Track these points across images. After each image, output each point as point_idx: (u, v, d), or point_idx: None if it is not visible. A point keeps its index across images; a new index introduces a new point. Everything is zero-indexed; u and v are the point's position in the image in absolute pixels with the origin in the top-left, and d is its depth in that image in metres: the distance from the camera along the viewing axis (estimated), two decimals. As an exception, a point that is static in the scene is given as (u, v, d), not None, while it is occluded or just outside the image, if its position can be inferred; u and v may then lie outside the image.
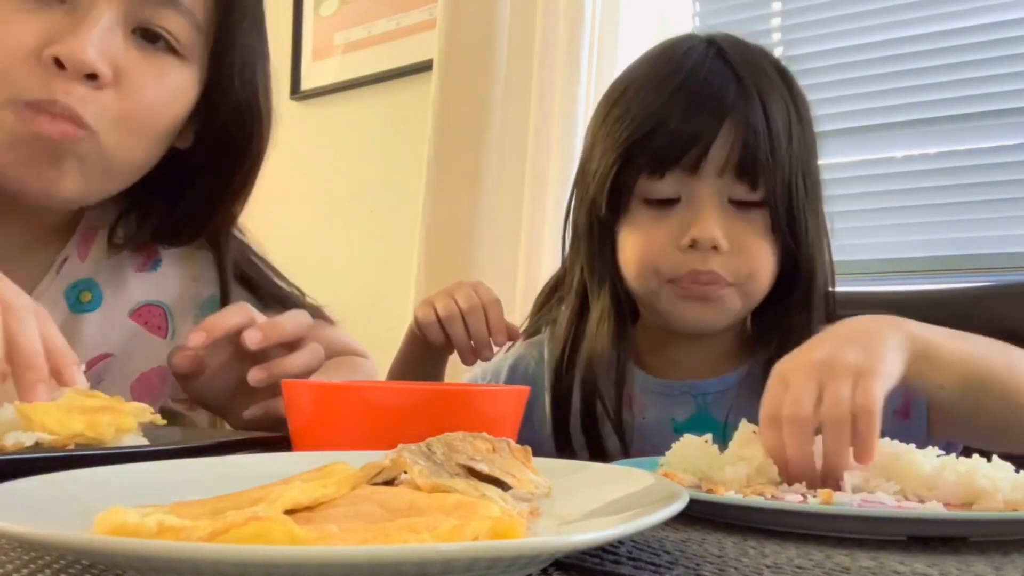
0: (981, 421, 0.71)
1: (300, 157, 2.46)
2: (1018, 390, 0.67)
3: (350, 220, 2.32)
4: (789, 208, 0.81)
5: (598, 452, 0.87)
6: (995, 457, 0.49)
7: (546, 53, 1.78)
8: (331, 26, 2.39)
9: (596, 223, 0.88)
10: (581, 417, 0.88)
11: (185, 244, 0.92)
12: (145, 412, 0.64)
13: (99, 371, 0.87)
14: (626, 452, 0.86)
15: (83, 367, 0.64)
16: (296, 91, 2.44)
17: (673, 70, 0.83)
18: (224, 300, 0.92)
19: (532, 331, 1.02)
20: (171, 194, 0.88)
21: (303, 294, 1.00)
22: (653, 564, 0.35)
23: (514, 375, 0.98)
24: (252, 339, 0.73)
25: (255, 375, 0.73)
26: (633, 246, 0.85)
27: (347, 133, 2.36)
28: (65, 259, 0.87)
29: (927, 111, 1.54)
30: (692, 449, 0.56)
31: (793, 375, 0.57)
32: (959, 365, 0.66)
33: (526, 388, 0.60)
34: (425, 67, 2.06)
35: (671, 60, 0.85)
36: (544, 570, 0.34)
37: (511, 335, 0.92)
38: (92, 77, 0.73)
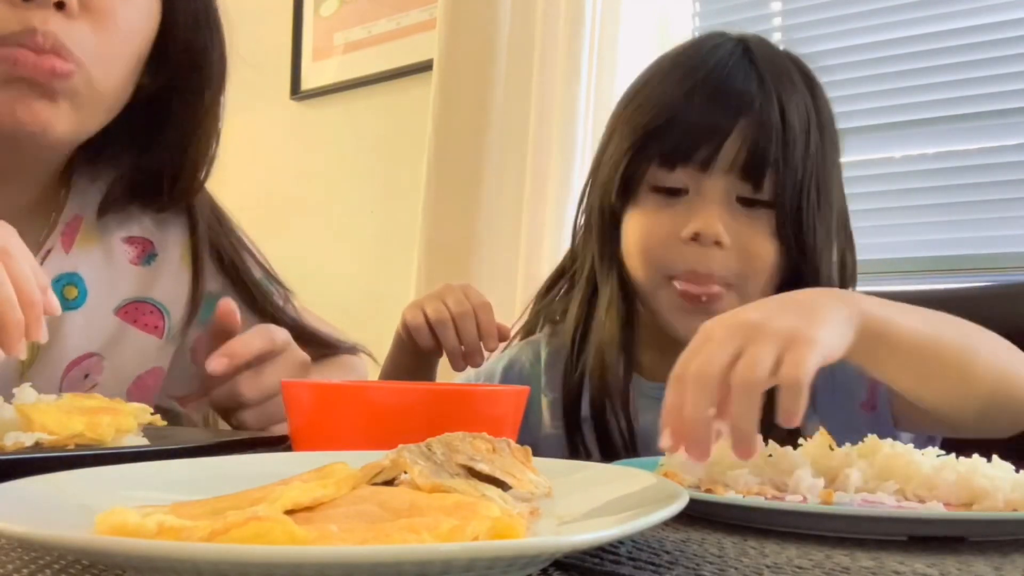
0: (939, 406, 0.67)
1: (300, 157, 2.46)
2: (972, 369, 0.63)
3: (350, 220, 2.32)
4: (797, 212, 0.80)
5: (607, 446, 0.86)
6: (995, 457, 0.49)
7: (546, 53, 1.78)
8: (331, 26, 2.39)
9: (607, 209, 0.88)
10: (592, 408, 0.86)
11: (167, 204, 0.90)
12: (145, 413, 0.64)
13: (85, 369, 0.85)
14: (633, 448, 0.85)
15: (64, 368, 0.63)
16: (296, 91, 2.44)
17: (697, 64, 0.83)
18: (196, 279, 0.90)
19: (530, 326, 1.01)
20: (139, 145, 0.87)
21: (281, 285, 0.98)
22: (653, 564, 0.35)
23: (508, 376, 0.97)
24: (217, 366, 0.73)
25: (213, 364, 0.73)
26: (637, 232, 0.85)
27: (347, 133, 2.36)
28: (48, 251, 0.84)
29: (927, 111, 1.54)
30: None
31: (716, 332, 0.53)
32: (919, 346, 0.62)
33: (526, 388, 0.60)
34: (425, 67, 2.06)
35: (697, 54, 0.85)
36: (544, 570, 0.34)
37: (502, 336, 0.92)
38: (59, 7, 0.71)
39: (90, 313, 0.85)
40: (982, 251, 1.48)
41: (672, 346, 0.89)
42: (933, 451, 0.51)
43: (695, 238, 0.79)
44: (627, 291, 0.87)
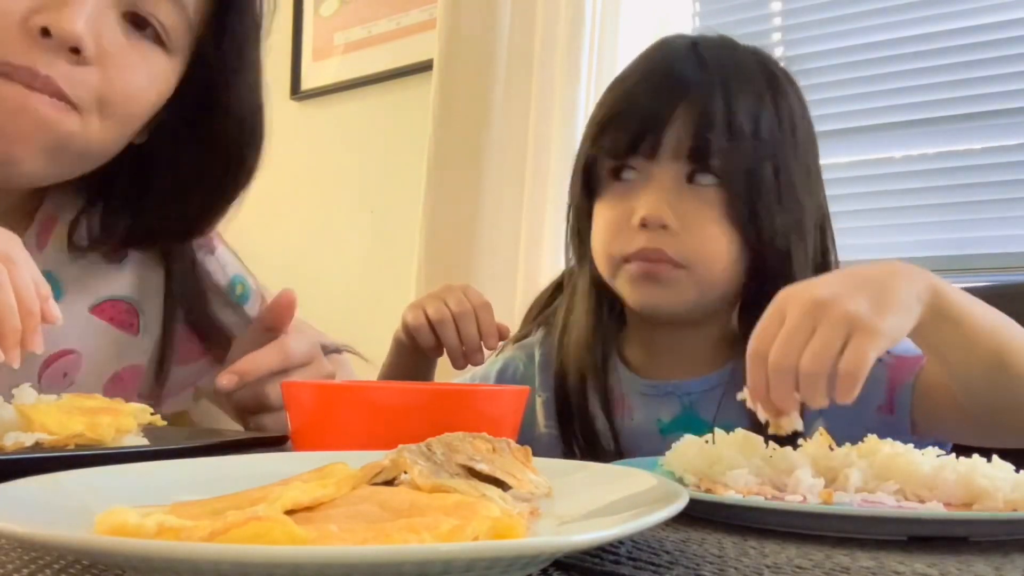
0: (993, 403, 0.68)
1: (300, 157, 2.46)
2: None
3: (350, 220, 2.32)
4: (749, 196, 0.81)
5: (593, 448, 0.87)
6: (995, 457, 0.49)
7: (546, 53, 1.78)
8: (331, 26, 2.39)
9: (577, 207, 0.91)
10: (575, 411, 0.88)
11: (155, 246, 0.90)
12: (145, 413, 0.64)
13: (63, 367, 0.85)
14: (618, 450, 0.86)
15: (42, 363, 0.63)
16: (296, 91, 2.44)
17: (647, 61, 0.88)
18: (168, 279, 0.91)
19: (521, 336, 1.02)
20: (128, 195, 0.86)
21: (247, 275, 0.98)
22: (653, 564, 0.35)
23: (502, 378, 0.98)
24: (228, 384, 0.73)
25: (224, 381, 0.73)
26: (598, 224, 0.87)
27: (347, 133, 2.36)
28: None
29: (927, 111, 1.54)
30: (692, 449, 0.56)
31: (791, 310, 0.57)
32: (982, 336, 0.63)
33: (526, 388, 0.60)
34: (425, 67, 2.06)
35: (651, 53, 0.89)
36: (544, 570, 0.34)
37: (502, 335, 0.93)
38: (75, 52, 0.71)
39: (65, 310, 0.85)
40: (982, 251, 1.48)
41: (656, 343, 0.91)
42: (933, 451, 0.51)
43: (644, 223, 0.81)
44: (599, 291, 0.90)
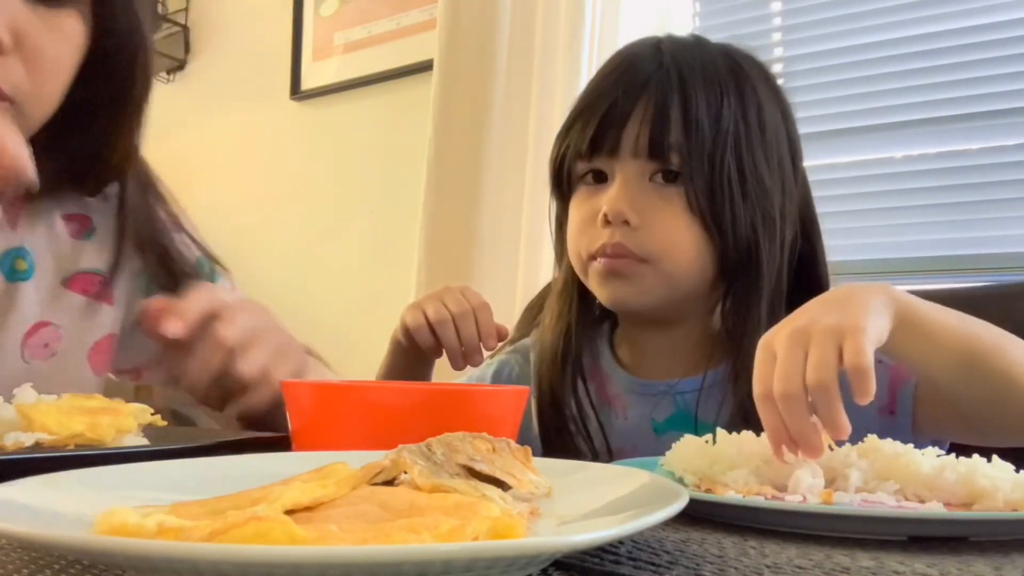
0: (973, 404, 0.69)
1: (300, 157, 2.46)
2: (1012, 369, 0.65)
3: (350, 220, 2.32)
4: (709, 189, 0.82)
5: (577, 448, 0.88)
6: (995, 457, 0.49)
7: (546, 53, 1.78)
8: (331, 26, 2.39)
9: (554, 210, 0.94)
10: (546, 408, 0.90)
11: (94, 188, 0.92)
12: (145, 413, 0.64)
13: (43, 338, 0.87)
14: (607, 452, 0.87)
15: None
16: (296, 91, 2.44)
17: (610, 64, 0.89)
18: (119, 250, 0.91)
19: (517, 338, 1.03)
20: (67, 133, 0.88)
21: (218, 263, 0.98)
22: (653, 564, 0.35)
23: (498, 380, 0.98)
24: (175, 330, 0.71)
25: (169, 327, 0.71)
26: (569, 226, 0.89)
27: (347, 133, 2.36)
28: None
29: (927, 111, 1.54)
30: (692, 449, 0.56)
31: (779, 347, 0.57)
32: (948, 337, 0.64)
33: (525, 388, 0.60)
34: (425, 67, 2.06)
35: (615, 56, 0.91)
36: (544, 570, 0.34)
37: (501, 336, 0.93)
38: None
39: (40, 284, 0.88)
40: (982, 251, 1.48)
41: (643, 342, 0.92)
42: (933, 451, 0.51)
43: (606, 220, 0.83)
44: (571, 290, 0.92)
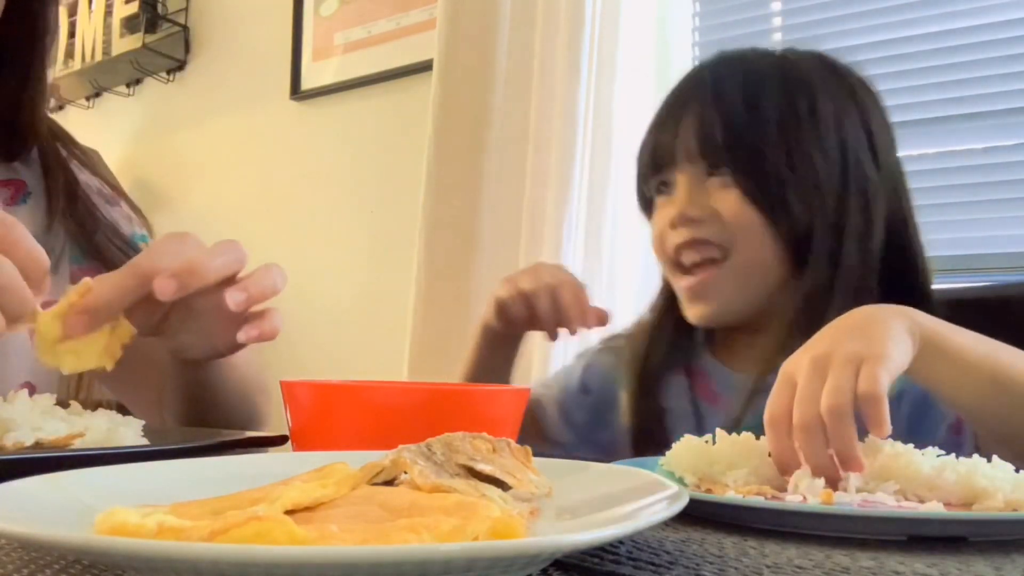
0: (1003, 427, 0.67)
1: (300, 157, 2.46)
2: None
3: (350, 220, 2.32)
4: (759, 175, 0.88)
5: (644, 430, 0.93)
6: (995, 457, 0.49)
7: (546, 53, 1.78)
8: (331, 26, 2.39)
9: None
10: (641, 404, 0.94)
11: (14, 150, 0.94)
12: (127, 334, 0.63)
13: None
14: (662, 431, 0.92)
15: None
16: (296, 91, 2.44)
17: (677, 84, 0.98)
18: (50, 215, 0.93)
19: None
20: None
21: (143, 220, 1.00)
22: (653, 564, 0.35)
23: (588, 374, 1.03)
24: (237, 300, 0.65)
25: (233, 298, 0.65)
26: (651, 236, 0.97)
27: (347, 133, 2.36)
28: None
29: (927, 111, 1.54)
30: (692, 449, 0.56)
31: (798, 375, 0.57)
32: (973, 361, 0.63)
33: (526, 388, 0.60)
34: (425, 67, 2.06)
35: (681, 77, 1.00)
36: (544, 570, 0.34)
37: (601, 320, 0.92)
38: None
39: None
40: (982, 251, 1.48)
41: (736, 336, 0.94)
42: (933, 451, 0.51)
43: (675, 223, 0.91)
44: (666, 294, 0.99)
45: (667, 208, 0.93)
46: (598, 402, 1.01)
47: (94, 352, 0.60)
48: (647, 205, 0.99)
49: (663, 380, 0.94)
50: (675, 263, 0.92)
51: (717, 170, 0.90)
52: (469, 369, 0.99)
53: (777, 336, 0.90)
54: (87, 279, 0.61)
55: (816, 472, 0.52)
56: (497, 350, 0.97)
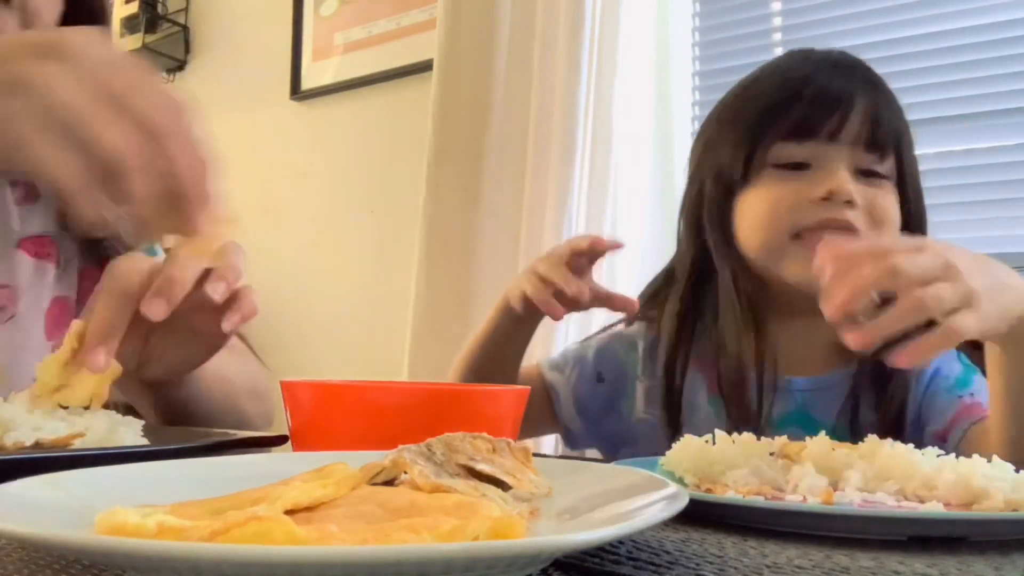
0: None
1: (300, 157, 2.46)
2: None
3: (350, 220, 2.32)
4: (915, 186, 0.85)
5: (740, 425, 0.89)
6: (995, 457, 0.49)
7: (546, 53, 1.78)
8: (331, 26, 2.39)
9: (722, 194, 0.90)
10: (728, 388, 0.88)
11: None
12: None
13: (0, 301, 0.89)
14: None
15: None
16: (296, 91, 2.44)
17: (809, 54, 0.90)
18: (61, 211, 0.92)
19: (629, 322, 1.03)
20: None
21: None
22: (653, 564, 0.35)
23: (601, 359, 0.99)
24: (220, 291, 0.65)
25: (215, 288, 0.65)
26: (760, 205, 0.87)
27: (347, 133, 2.36)
28: None
29: (927, 111, 1.54)
30: (692, 449, 0.56)
31: (929, 249, 0.57)
32: None
33: (526, 388, 0.60)
34: (425, 67, 2.06)
35: (793, 56, 0.92)
36: (544, 570, 0.34)
37: (630, 310, 0.90)
38: (6, 2, 0.75)
39: None
40: (982, 251, 1.48)
41: (780, 332, 0.89)
42: (933, 451, 0.51)
43: (828, 198, 0.82)
44: (747, 269, 0.90)
45: (794, 183, 0.84)
46: (612, 391, 0.99)
47: (85, 393, 0.61)
48: (746, 176, 0.88)
49: (686, 371, 0.91)
50: (797, 237, 0.84)
51: (879, 163, 0.85)
52: (484, 339, 0.96)
53: (827, 337, 0.87)
54: (76, 321, 0.63)
55: (847, 298, 0.52)
56: (520, 325, 0.94)
